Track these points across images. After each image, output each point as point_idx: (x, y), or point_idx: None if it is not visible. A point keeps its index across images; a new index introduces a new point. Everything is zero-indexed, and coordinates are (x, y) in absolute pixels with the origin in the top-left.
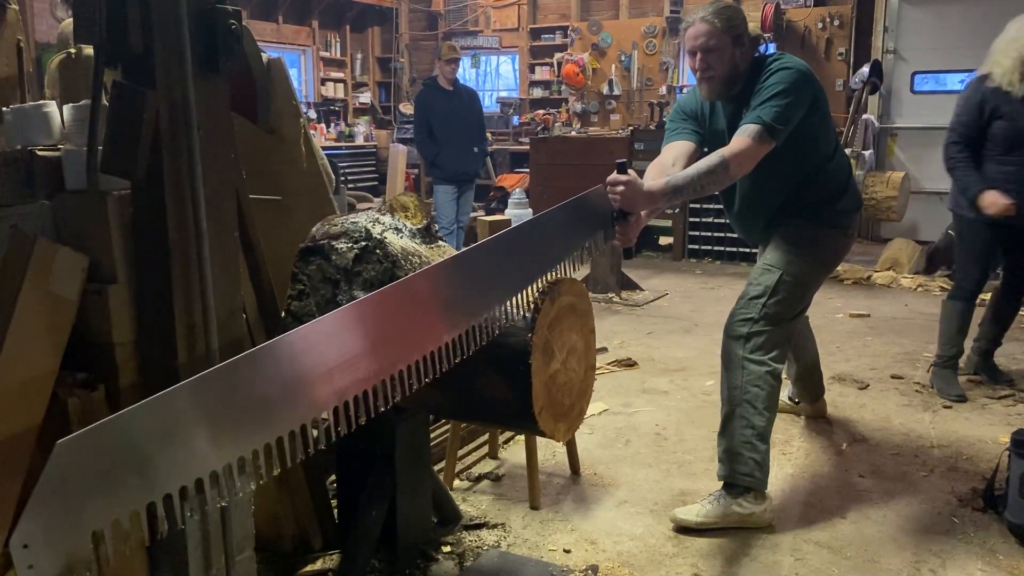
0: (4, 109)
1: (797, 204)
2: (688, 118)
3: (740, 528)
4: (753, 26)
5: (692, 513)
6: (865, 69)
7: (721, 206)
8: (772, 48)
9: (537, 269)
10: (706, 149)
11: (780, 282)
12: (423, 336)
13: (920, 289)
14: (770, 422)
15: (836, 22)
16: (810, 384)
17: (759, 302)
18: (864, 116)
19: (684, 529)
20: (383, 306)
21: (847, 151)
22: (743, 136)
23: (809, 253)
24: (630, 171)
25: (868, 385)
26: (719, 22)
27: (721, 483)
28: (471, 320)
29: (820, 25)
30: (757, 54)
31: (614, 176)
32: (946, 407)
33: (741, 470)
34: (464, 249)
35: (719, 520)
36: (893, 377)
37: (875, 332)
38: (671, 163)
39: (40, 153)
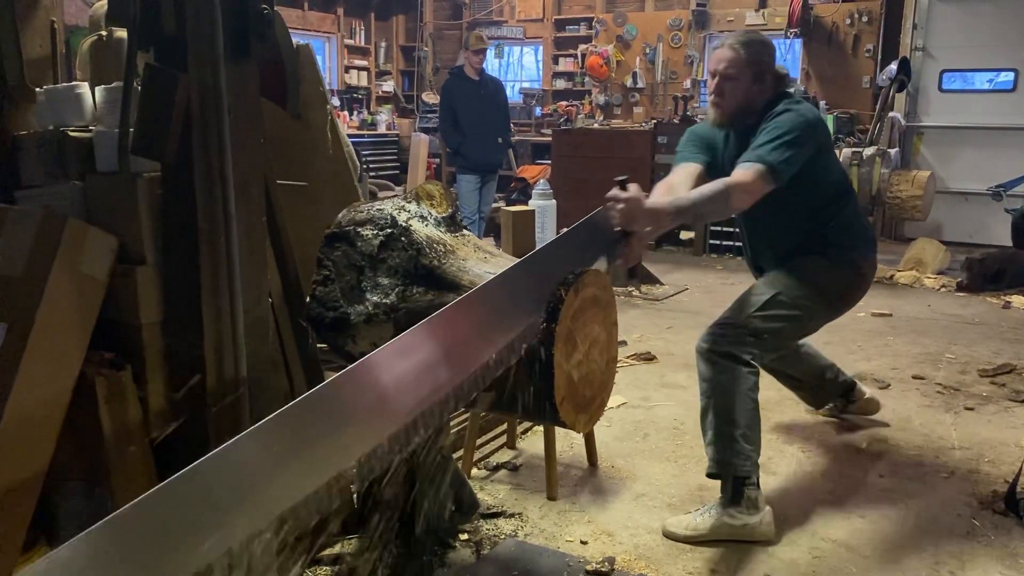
0: (37, 90)
1: (805, 242)
2: (700, 143)
3: None
4: (780, 67)
5: (682, 526)
6: (893, 66)
7: None
8: (796, 78)
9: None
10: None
11: (773, 300)
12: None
13: (943, 289)
14: (745, 408)
15: (865, 18)
16: (823, 389)
17: (747, 311)
18: (890, 114)
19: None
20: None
21: (872, 149)
22: (747, 171)
23: (813, 285)
24: (630, 186)
25: (889, 385)
26: (744, 53)
27: (717, 491)
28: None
29: (848, 21)
30: (780, 91)
31: (614, 192)
32: (968, 409)
33: (716, 459)
34: (478, 287)
35: (709, 533)
36: (915, 377)
37: (897, 332)
38: (679, 184)
39: (72, 134)
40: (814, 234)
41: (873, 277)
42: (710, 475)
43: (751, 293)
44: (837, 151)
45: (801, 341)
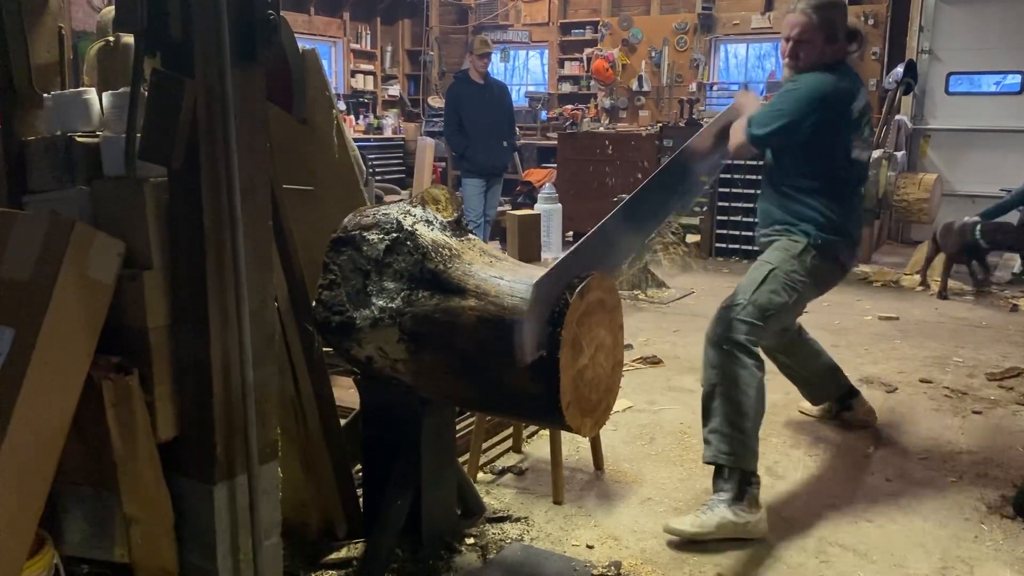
0: (45, 95)
1: (798, 212)
2: None
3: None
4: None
5: (687, 524)
6: (899, 69)
7: (749, 205)
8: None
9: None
10: None
11: (771, 275)
12: None
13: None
14: (754, 401)
15: (871, 21)
16: (823, 387)
17: (749, 290)
18: (897, 117)
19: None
20: None
21: (878, 152)
22: (740, 126)
23: (801, 263)
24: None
25: (896, 388)
26: (816, 17)
27: (712, 482)
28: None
29: None
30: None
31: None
32: (976, 412)
33: (723, 449)
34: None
35: (715, 531)
36: (922, 381)
37: (904, 335)
38: None
39: (79, 139)
40: (811, 212)
41: (851, 269)
42: (711, 463)
43: (748, 274)
44: None
45: (808, 338)
